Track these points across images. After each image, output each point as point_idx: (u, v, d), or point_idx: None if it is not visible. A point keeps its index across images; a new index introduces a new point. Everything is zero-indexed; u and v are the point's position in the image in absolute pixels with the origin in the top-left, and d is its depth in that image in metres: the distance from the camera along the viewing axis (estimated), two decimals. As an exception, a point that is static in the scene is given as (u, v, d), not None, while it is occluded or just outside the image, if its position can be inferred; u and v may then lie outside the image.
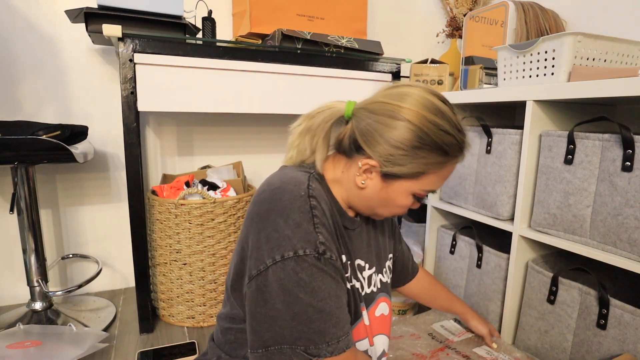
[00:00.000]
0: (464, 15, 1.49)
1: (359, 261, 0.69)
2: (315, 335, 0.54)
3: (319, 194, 0.60)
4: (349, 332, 0.58)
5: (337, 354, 0.55)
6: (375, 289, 0.73)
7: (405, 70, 1.59)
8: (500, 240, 1.29)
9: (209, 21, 1.34)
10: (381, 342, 0.74)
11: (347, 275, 0.65)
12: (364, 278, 0.70)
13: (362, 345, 0.69)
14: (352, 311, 0.66)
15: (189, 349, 1.17)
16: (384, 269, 0.77)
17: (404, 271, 0.95)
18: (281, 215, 0.56)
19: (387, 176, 0.61)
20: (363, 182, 0.62)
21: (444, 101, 0.60)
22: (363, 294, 0.70)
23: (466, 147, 0.62)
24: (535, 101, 1.01)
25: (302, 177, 0.61)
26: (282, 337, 0.54)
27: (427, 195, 0.65)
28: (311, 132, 0.64)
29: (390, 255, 0.82)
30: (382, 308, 0.75)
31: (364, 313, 0.69)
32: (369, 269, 0.72)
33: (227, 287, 0.67)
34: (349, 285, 0.65)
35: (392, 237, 0.85)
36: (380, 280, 0.75)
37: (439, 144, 0.58)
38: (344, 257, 0.64)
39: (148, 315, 1.26)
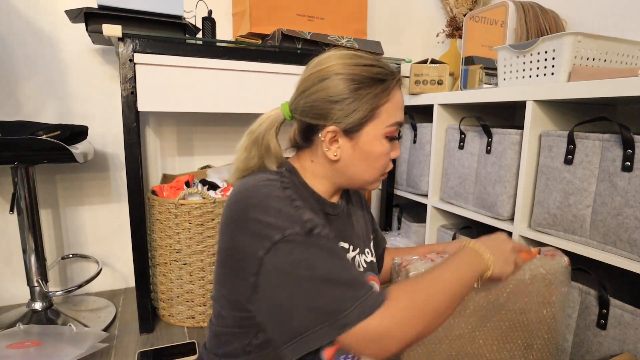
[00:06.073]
0: (464, 15, 1.48)
1: (342, 244, 0.70)
2: (334, 305, 0.51)
3: (293, 186, 0.62)
4: (370, 288, 0.54)
5: (368, 314, 0.50)
6: (361, 269, 0.74)
7: (405, 70, 1.59)
8: (500, 240, 1.29)
9: (209, 21, 1.34)
10: None
11: None
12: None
13: None
14: None
15: (189, 349, 1.17)
16: (367, 249, 0.78)
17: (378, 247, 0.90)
18: (259, 208, 0.56)
19: (350, 132, 0.61)
20: (335, 154, 0.62)
21: (358, 49, 0.64)
22: None
23: (395, 71, 0.64)
24: (535, 101, 1.01)
25: (272, 176, 0.62)
26: (301, 323, 0.51)
27: (399, 135, 0.65)
28: (257, 143, 0.65)
29: (372, 236, 0.83)
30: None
31: None
32: (353, 250, 0.73)
33: (214, 297, 0.66)
34: None
35: (370, 217, 0.86)
36: (365, 260, 0.76)
37: (371, 76, 0.61)
38: None
39: (148, 315, 1.26)
